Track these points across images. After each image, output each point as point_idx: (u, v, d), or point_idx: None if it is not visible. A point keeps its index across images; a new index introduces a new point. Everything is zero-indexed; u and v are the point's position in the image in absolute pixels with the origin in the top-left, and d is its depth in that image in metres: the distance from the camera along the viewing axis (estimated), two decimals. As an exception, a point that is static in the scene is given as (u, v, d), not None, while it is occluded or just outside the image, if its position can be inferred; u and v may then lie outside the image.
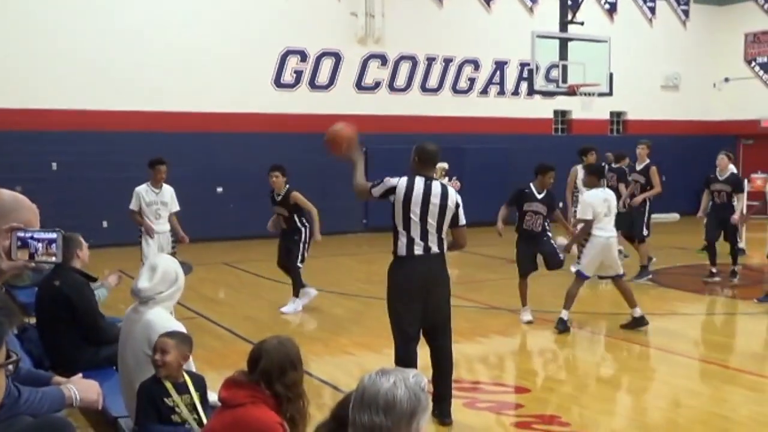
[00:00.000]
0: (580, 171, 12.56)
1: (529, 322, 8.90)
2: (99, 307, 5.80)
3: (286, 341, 3.67)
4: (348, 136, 6.08)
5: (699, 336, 8.49)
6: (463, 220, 5.72)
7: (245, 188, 16.79)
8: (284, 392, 3.51)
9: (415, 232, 5.50)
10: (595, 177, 8.82)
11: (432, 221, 5.51)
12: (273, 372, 3.50)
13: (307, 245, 9.60)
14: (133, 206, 9.39)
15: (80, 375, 3.94)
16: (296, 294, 9.65)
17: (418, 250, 5.50)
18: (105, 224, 14.99)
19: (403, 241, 5.53)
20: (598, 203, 8.47)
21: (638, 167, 12.35)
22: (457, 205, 5.65)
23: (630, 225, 11.76)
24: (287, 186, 9.56)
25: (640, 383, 7.19)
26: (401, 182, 5.57)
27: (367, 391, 2.29)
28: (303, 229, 9.57)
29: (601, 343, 8.59)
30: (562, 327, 8.44)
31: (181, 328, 4.47)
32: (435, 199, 5.52)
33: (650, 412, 6.29)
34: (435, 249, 5.54)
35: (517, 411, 6.09)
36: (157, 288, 4.49)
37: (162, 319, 4.47)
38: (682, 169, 22.27)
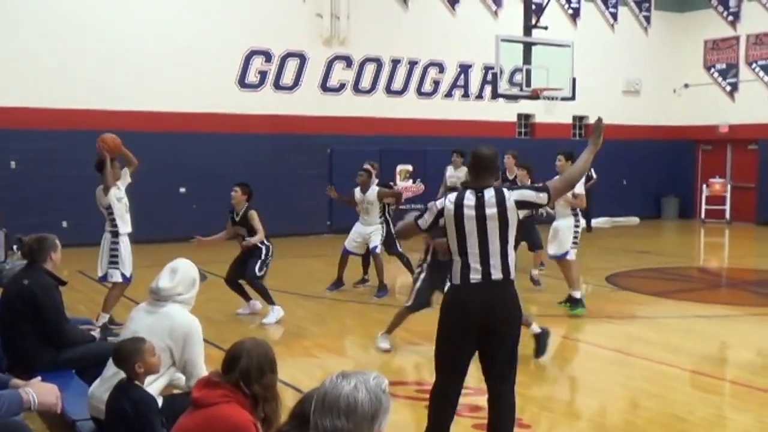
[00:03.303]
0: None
1: None
2: (65, 310, 5.75)
3: (263, 343, 3.68)
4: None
5: (657, 338, 8.61)
6: (539, 186, 4.88)
7: (208, 189, 16.66)
8: (262, 393, 3.51)
9: (473, 255, 4.69)
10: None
11: (493, 239, 4.68)
12: (252, 372, 3.50)
13: (266, 262, 9.30)
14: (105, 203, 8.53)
15: (39, 378, 3.90)
16: (270, 302, 9.24)
17: (476, 276, 4.68)
18: (65, 224, 14.77)
19: (457, 266, 4.75)
20: None
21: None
22: (517, 195, 4.75)
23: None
24: (247, 204, 9.33)
25: (599, 385, 7.27)
26: (448, 201, 4.79)
27: (329, 394, 2.30)
28: (263, 248, 9.28)
29: (561, 345, 8.68)
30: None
31: (198, 325, 4.56)
32: (491, 210, 4.68)
33: (609, 413, 6.37)
34: (497, 275, 4.67)
35: (478, 413, 6.13)
36: (177, 289, 4.64)
37: (182, 312, 4.60)
38: (641, 174, 22.62)
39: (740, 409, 6.41)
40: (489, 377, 4.94)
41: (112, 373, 4.42)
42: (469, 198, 4.73)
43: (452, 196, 4.81)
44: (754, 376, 7.38)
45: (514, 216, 4.73)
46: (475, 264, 4.69)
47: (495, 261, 4.69)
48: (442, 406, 4.95)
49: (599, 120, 4.91)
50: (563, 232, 9.67)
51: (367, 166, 11.29)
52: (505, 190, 4.78)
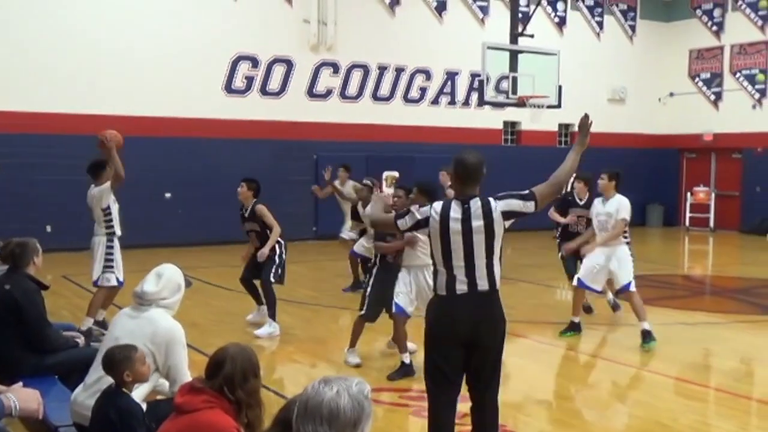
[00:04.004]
0: None
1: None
2: (47, 315, 5.70)
3: (247, 348, 3.66)
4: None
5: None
6: (525, 194, 4.58)
7: (194, 194, 16.65)
8: (245, 399, 3.49)
9: (458, 268, 4.54)
10: None
11: (479, 252, 4.52)
12: (236, 377, 3.48)
13: (283, 262, 8.97)
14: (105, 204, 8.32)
15: (21, 384, 3.87)
16: (272, 315, 8.86)
17: (462, 287, 4.54)
18: (49, 228, 14.71)
19: (442, 278, 4.60)
20: None
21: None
22: (504, 206, 4.55)
23: None
24: (254, 200, 8.98)
25: (585, 393, 7.29)
26: (434, 211, 4.59)
27: (311, 400, 2.29)
28: (277, 246, 8.92)
29: (549, 352, 8.68)
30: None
31: (181, 330, 4.51)
32: (477, 223, 4.50)
33: (595, 420, 6.38)
34: (483, 285, 4.55)
35: (464, 420, 6.13)
36: (162, 293, 4.60)
37: (164, 317, 4.55)
38: (626, 182, 22.63)
39: (724, 416, 6.43)
40: (473, 385, 4.84)
41: (95, 379, 4.39)
42: (455, 210, 4.54)
43: (438, 206, 4.61)
44: (738, 383, 7.42)
45: (500, 228, 4.56)
46: (461, 276, 4.55)
47: (480, 273, 4.55)
48: (443, 418, 4.82)
49: (585, 116, 4.77)
50: (623, 262, 8.71)
51: (366, 181, 11.15)
52: (491, 199, 4.56)
